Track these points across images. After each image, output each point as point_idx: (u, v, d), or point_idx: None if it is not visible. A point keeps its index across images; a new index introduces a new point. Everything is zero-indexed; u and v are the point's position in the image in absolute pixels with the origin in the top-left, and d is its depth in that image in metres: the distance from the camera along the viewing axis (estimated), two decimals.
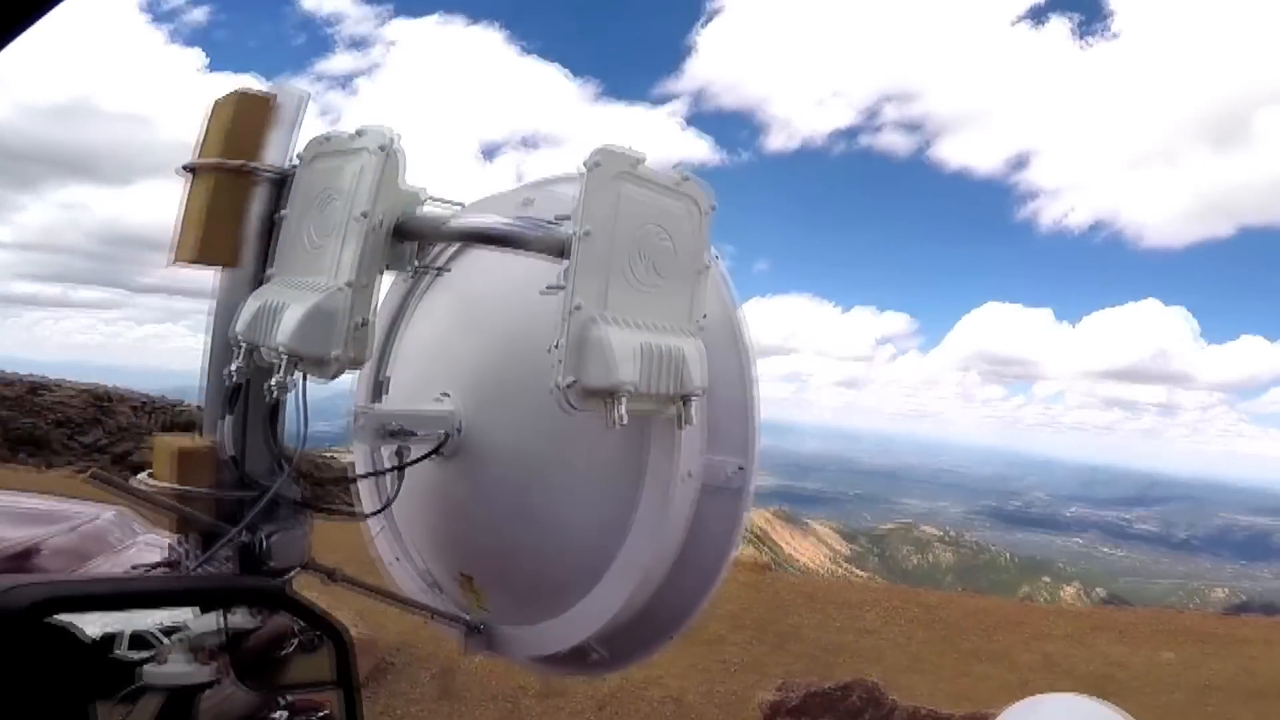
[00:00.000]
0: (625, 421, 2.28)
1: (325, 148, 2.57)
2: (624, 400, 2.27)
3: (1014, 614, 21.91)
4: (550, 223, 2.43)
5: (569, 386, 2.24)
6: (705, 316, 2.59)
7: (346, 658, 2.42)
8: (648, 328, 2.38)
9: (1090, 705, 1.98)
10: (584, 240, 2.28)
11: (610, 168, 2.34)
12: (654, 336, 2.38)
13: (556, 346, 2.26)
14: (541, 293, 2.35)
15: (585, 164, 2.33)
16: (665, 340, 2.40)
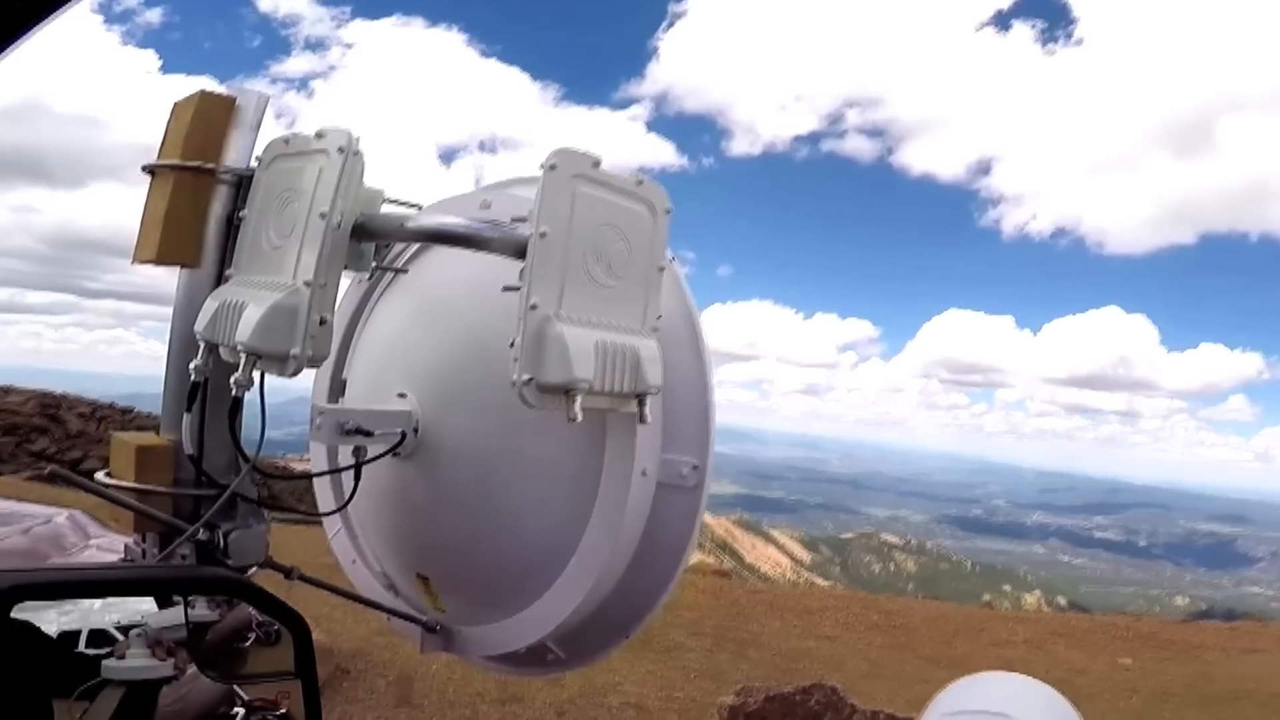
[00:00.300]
0: (580, 418, 2.32)
1: (286, 149, 2.60)
2: (580, 397, 2.32)
3: (974, 620, 22.05)
4: (508, 224, 2.47)
5: (526, 383, 2.28)
6: (661, 317, 2.64)
7: (307, 648, 2.45)
8: (604, 327, 2.43)
9: (1024, 681, 2.05)
10: (541, 241, 2.33)
11: (567, 169, 2.38)
12: (610, 335, 2.42)
13: (514, 344, 2.30)
14: (503, 290, 2.40)
15: (543, 166, 2.37)
16: (621, 339, 2.45)
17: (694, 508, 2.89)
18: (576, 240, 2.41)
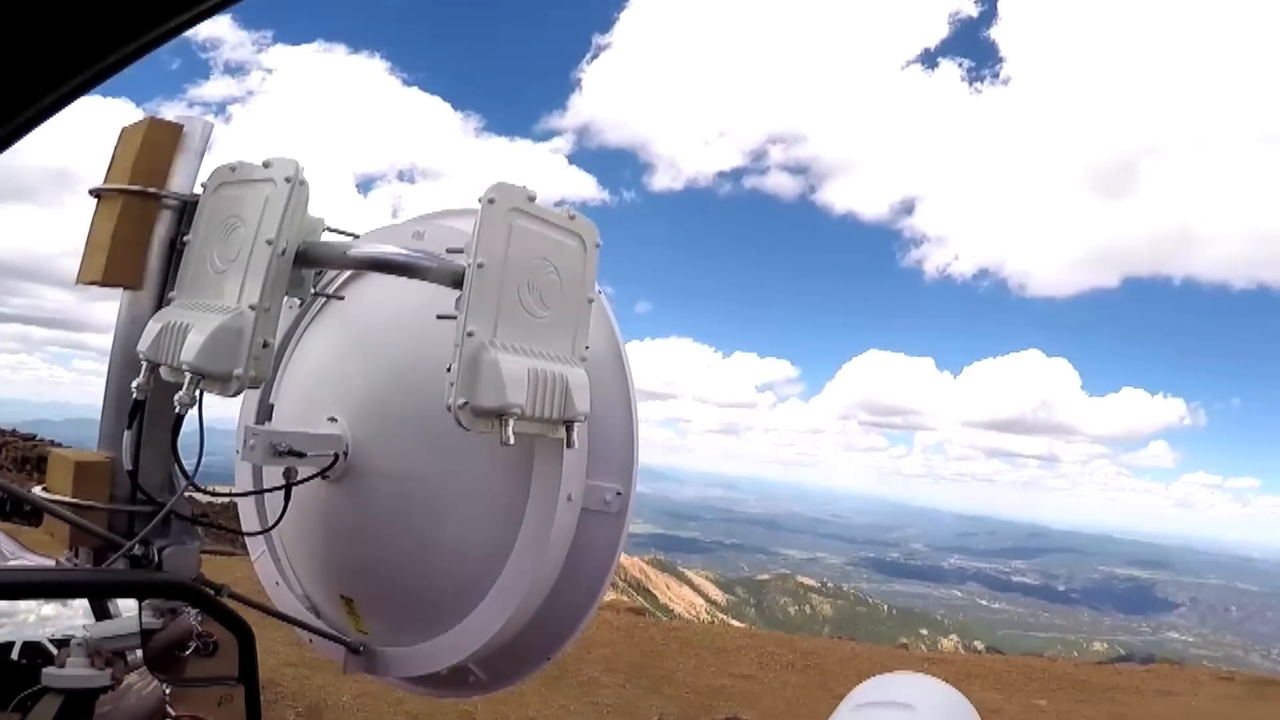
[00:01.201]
0: (513, 441, 2.46)
1: (231, 177, 2.72)
2: (512, 421, 2.46)
3: (890, 661, 22.18)
4: (444, 255, 2.61)
5: (462, 407, 2.42)
6: (589, 348, 2.78)
7: (251, 653, 2.55)
8: (536, 355, 2.57)
9: (929, 680, 2.25)
10: (478, 271, 2.47)
11: (504, 203, 2.53)
12: (541, 363, 2.56)
13: (450, 369, 2.43)
14: (437, 318, 2.53)
15: (481, 199, 2.52)
16: (552, 367, 2.59)
17: (617, 534, 3.03)
18: (512, 271, 2.55)
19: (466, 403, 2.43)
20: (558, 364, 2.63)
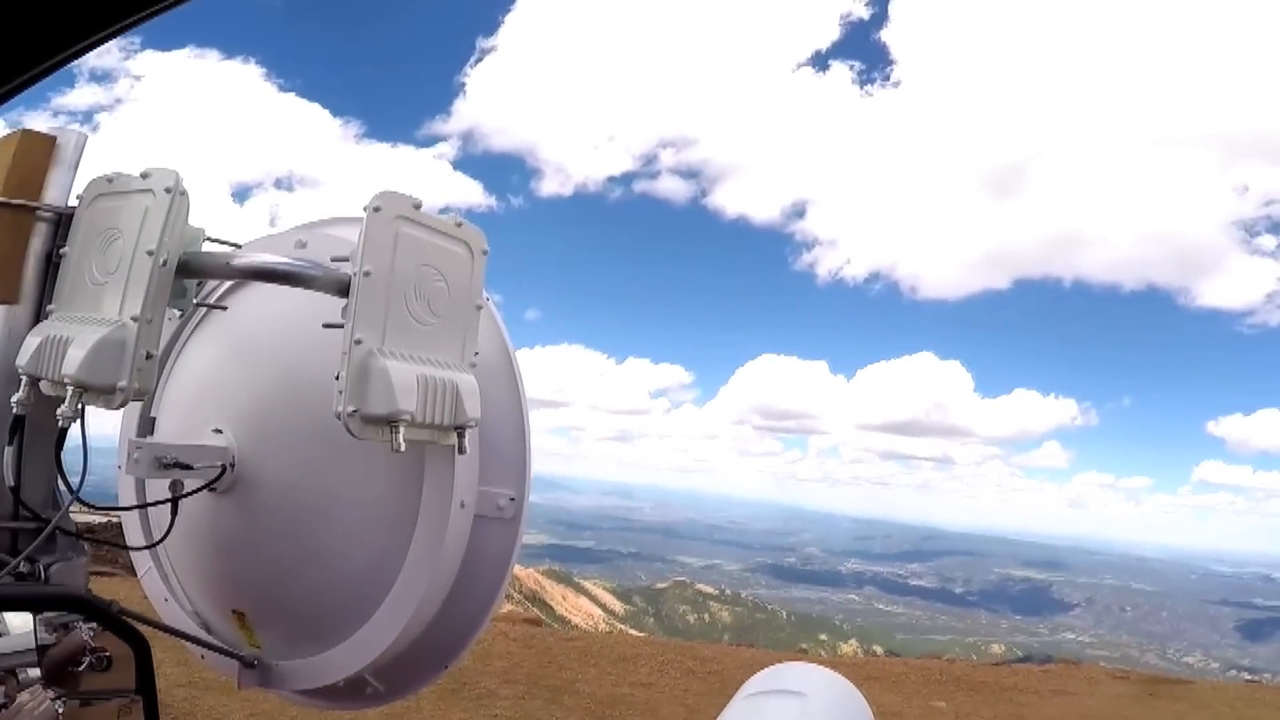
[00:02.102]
0: (404, 448, 2.45)
1: (108, 188, 2.68)
2: (403, 428, 2.45)
3: None
4: (329, 263, 2.60)
5: (351, 414, 2.41)
6: (478, 354, 2.79)
7: (147, 665, 2.54)
8: (425, 362, 2.57)
9: (821, 669, 2.31)
10: (365, 280, 2.46)
11: (390, 211, 2.52)
12: (431, 370, 2.56)
13: (339, 377, 2.43)
14: (324, 326, 2.53)
15: (366, 207, 2.51)
16: (442, 374, 2.58)
17: (512, 539, 3.03)
18: (398, 279, 2.55)
19: (356, 410, 2.42)
20: (447, 370, 2.63)
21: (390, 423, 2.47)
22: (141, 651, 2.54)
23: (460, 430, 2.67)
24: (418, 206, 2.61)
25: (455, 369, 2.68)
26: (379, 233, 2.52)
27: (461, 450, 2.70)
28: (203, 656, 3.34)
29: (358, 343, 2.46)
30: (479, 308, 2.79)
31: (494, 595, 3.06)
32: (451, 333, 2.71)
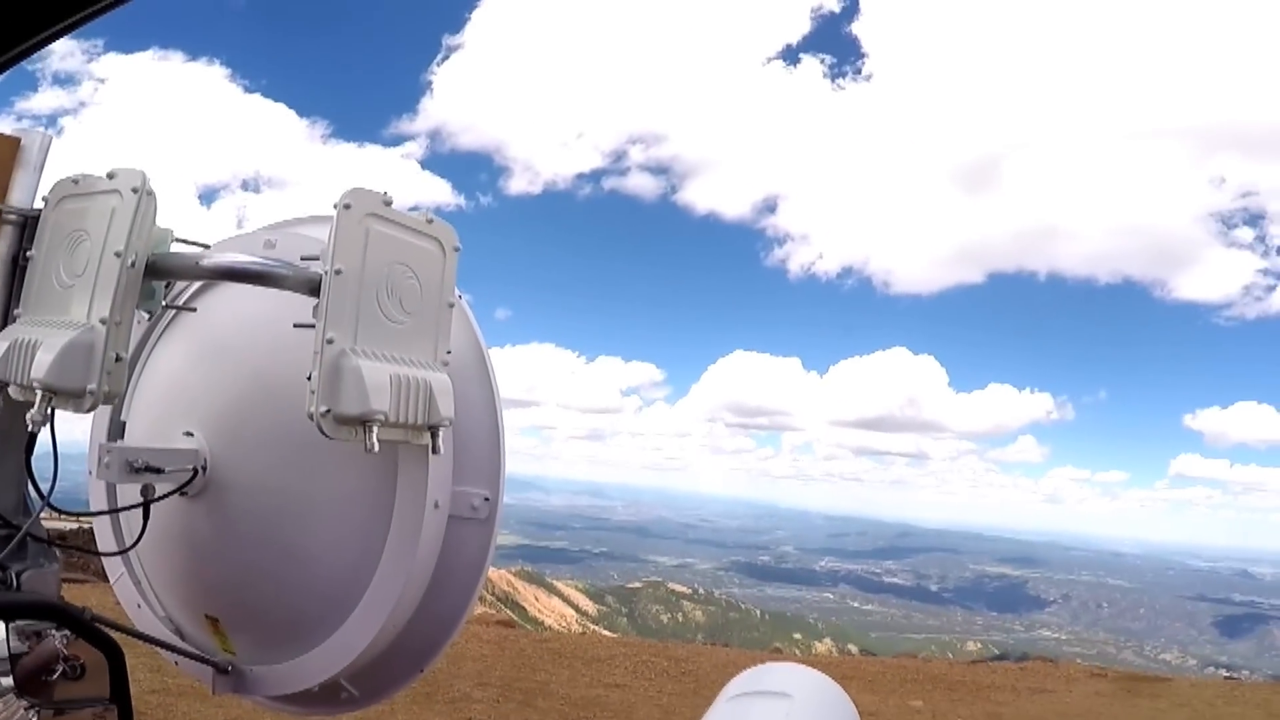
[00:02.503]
0: (378, 448, 2.45)
1: (74, 190, 2.68)
2: (376, 428, 2.45)
3: None
4: (300, 262, 2.60)
5: (324, 414, 2.41)
6: (451, 352, 2.79)
7: (122, 673, 2.53)
8: (397, 361, 2.57)
9: (805, 669, 2.32)
10: (336, 278, 2.46)
11: (360, 209, 2.52)
12: (404, 369, 2.56)
13: (311, 377, 2.43)
14: (294, 326, 2.53)
15: (336, 205, 2.51)
16: (414, 373, 2.58)
17: (486, 540, 3.03)
18: (370, 277, 2.55)
19: (329, 410, 2.42)
20: (420, 369, 2.63)
21: (363, 423, 2.47)
22: (115, 659, 2.53)
23: (434, 430, 2.67)
24: (388, 203, 2.60)
25: (428, 368, 2.68)
26: (349, 230, 2.52)
27: (435, 450, 2.70)
28: (176, 663, 3.34)
29: (329, 342, 2.45)
30: (451, 305, 2.79)
31: (469, 597, 3.06)
32: (424, 331, 2.71)
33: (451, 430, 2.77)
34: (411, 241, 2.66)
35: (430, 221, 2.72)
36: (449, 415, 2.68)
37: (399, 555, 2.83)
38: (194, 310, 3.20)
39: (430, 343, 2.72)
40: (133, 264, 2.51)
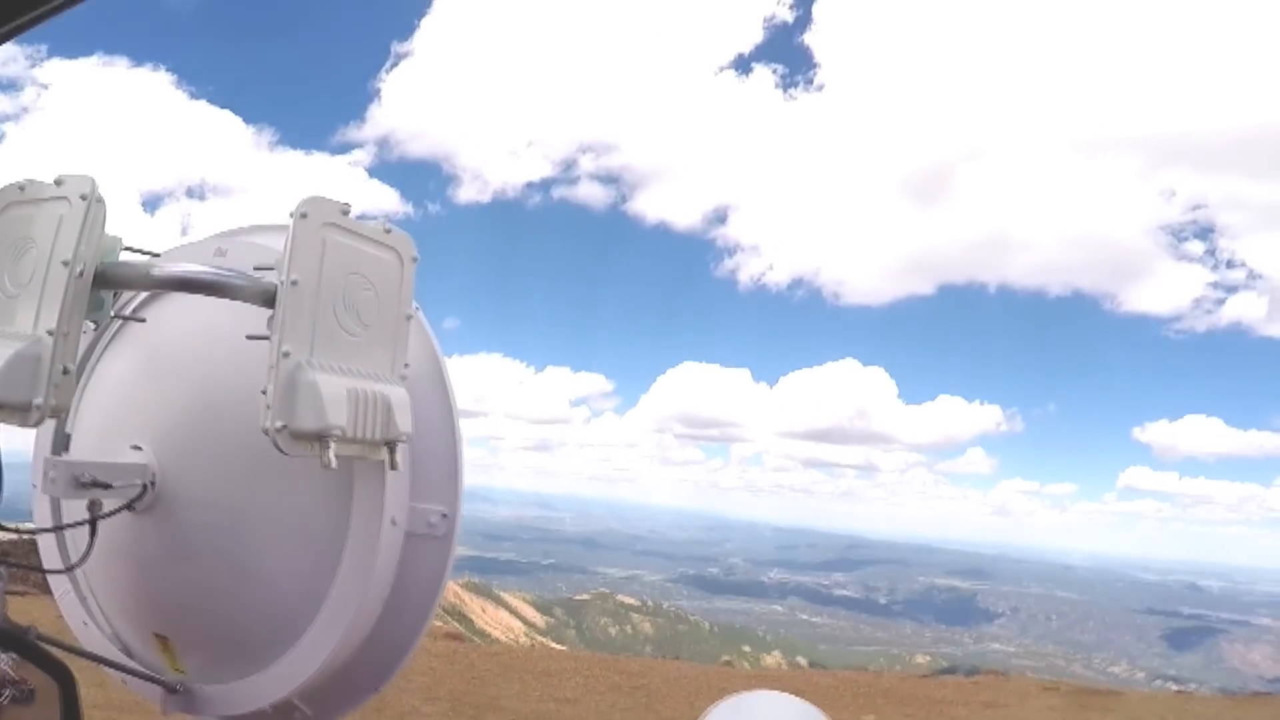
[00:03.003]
0: (335, 464, 2.40)
1: (20, 196, 2.61)
2: (333, 443, 2.40)
3: (715, 679, 22.38)
4: (253, 272, 2.55)
5: (280, 430, 2.35)
6: (408, 365, 2.74)
7: (73, 697, 2.48)
8: (354, 374, 2.51)
9: (790, 698, 2.27)
10: (293, 289, 2.41)
11: (317, 217, 2.46)
12: (361, 383, 2.50)
13: (266, 391, 2.37)
14: (247, 338, 2.47)
15: (293, 213, 2.45)
16: (372, 386, 2.53)
17: (444, 557, 2.97)
18: (326, 288, 2.49)
19: (285, 426, 2.37)
20: (377, 383, 2.57)
21: (320, 438, 2.41)
22: (66, 684, 2.48)
23: (391, 445, 2.62)
24: (345, 212, 2.54)
25: (385, 381, 2.62)
26: (306, 240, 2.46)
27: (393, 466, 2.64)
28: (124, 682, 3.27)
29: (285, 355, 2.39)
30: (409, 317, 2.74)
31: (425, 616, 3.00)
32: (381, 344, 2.65)
33: (409, 444, 2.72)
34: (369, 251, 2.61)
35: (388, 231, 2.66)
36: (407, 430, 2.62)
37: (355, 574, 2.78)
38: (143, 321, 3.13)
39: (388, 355, 2.67)
40: (81, 273, 2.45)
